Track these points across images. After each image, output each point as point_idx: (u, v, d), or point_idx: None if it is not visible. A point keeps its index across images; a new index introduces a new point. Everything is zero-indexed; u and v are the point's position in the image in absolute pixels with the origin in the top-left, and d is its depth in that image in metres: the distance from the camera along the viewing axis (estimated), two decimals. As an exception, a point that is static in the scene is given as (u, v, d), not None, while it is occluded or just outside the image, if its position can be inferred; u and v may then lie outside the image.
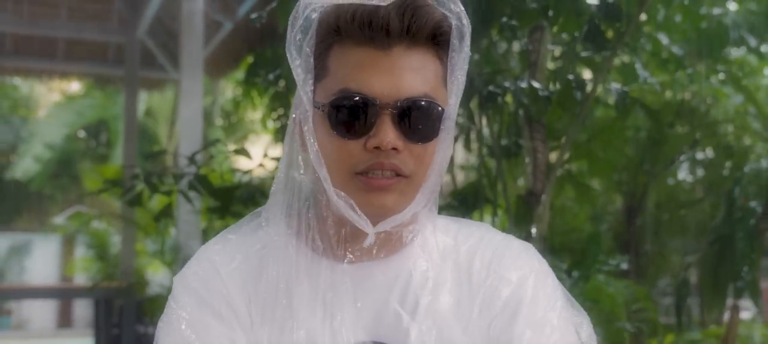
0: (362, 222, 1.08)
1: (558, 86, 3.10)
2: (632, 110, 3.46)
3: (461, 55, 1.10)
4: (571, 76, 2.96)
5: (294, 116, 1.16)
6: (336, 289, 1.14)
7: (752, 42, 7.02)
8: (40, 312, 15.40)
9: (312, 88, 1.11)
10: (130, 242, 7.94)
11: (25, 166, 15.36)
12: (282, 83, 5.18)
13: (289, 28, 1.12)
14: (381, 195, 1.09)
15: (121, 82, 9.67)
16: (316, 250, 1.15)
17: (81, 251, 13.44)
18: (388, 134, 1.06)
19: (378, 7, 1.06)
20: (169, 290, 3.25)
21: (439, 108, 1.09)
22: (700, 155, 6.87)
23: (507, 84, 3.03)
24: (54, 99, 17.57)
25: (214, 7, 7.31)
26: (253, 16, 3.70)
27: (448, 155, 1.15)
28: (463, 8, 1.11)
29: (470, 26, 1.11)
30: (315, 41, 1.10)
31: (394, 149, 1.07)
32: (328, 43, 1.11)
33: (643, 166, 6.54)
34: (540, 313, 1.15)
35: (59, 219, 13.93)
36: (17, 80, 13.51)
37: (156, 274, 8.30)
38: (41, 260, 15.89)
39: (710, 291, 4.16)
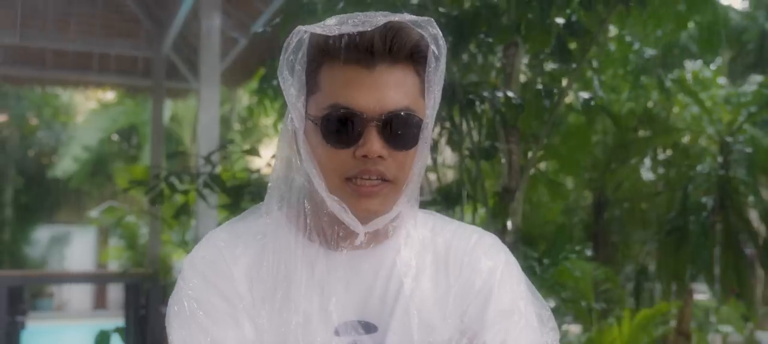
0: (354, 224, 1.09)
1: (529, 95, 3.09)
2: (597, 115, 3.45)
3: (437, 73, 1.10)
4: (540, 86, 2.95)
5: (288, 122, 1.15)
6: (329, 275, 1.14)
7: (705, 57, 7.03)
8: (78, 295, 15.34)
9: (304, 103, 1.11)
10: (156, 234, 7.88)
11: (64, 166, 15.25)
12: None
13: (282, 51, 1.11)
14: (368, 200, 1.09)
15: (148, 91, 9.59)
16: (312, 240, 1.15)
17: (114, 242, 13.39)
18: (374, 143, 1.07)
19: (363, 30, 1.05)
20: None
21: (418, 119, 1.09)
22: (661, 156, 6.87)
23: (485, 93, 3.01)
24: (90, 107, 17.45)
25: (230, 24, 7.26)
26: (260, 29, 3.68)
27: (427, 160, 1.15)
28: (439, 31, 1.10)
29: (445, 46, 1.11)
30: (306, 60, 1.10)
31: (380, 156, 1.07)
32: (319, 63, 1.10)
33: (610, 166, 6.54)
34: (508, 301, 1.16)
35: (94, 213, 13.81)
36: (58, 90, 13.41)
37: (180, 262, 8.27)
38: (79, 249, 15.81)
39: (668, 276, 4.15)
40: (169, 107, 13.17)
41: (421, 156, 1.12)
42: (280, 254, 1.16)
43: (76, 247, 15.73)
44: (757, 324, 6.36)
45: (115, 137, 16.85)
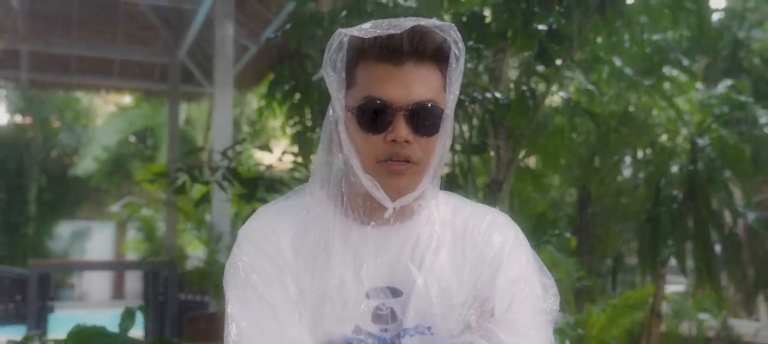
0: (384, 199, 1.17)
1: (515, 95, 3.22)
2: (577, 114, 3.58)
3: (457, 71, 1.18)
4: (524, 88, 3.08)
5: (330, 115, 1.22)
6: (362, 247, 1.22)
7: (685, 62, 7.12)
8: (97, 286, 15.44)
9: (344, 95, 1.19)
10: (172, 226, 8.01)
11: (85, 165, 15.33)
12: (297, 96, 5.24)
13: (326, 51, 1.19)
14: (397, 179, 1.17)
15: (165, 95, 9.72)
16: (348, 216, 1.23)
17: (131, 235, 13.50)
18: (402, 130, 1.14)
19: (394, 33, 1.13)
20: (206, 262, 3.49)
21: (440, 110, 1.17)
22: (641, 155, 6.97)
23: (476, 94, 3.13)
24: (108, 110, 17.55)
25: (242, 33, 7.41)
26: (270, 35, 3.80)
27: (448, 146, 1.22)
28: (459, 35, 1.18)
29: (464, 49, 1.18)
30: (346, 59, 1.18)
31: (407, 141, 1.15)
32: (356, 61, 1.18)
33: (593, 163, 6.65)
34: (515, 271, 1.23)
35: (115, 207, 13.90)
36: (81, 94, 13.52)
37: (195, 251, 8.38)
38: (98, 243, 15.89)
39: (643, 263, 4.28)
40: (182, 110, 13.29)
41: (442, 142, 1.20)
42: (320, 227, 1.24)
43: (95, 241, 15.82)
44: (730, 311, 6.48)
45: (132, 139, 16.94)
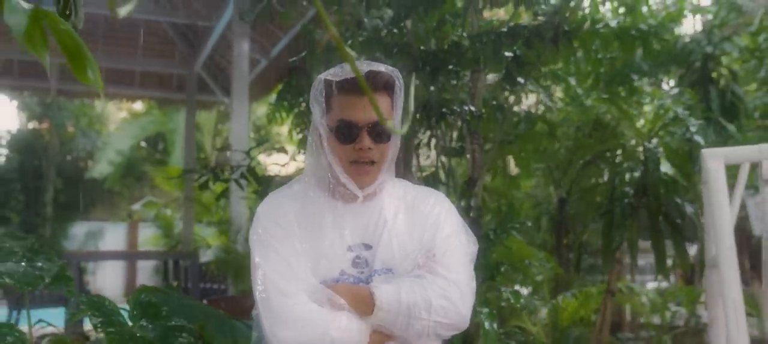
0: (355, 190, 1.59)
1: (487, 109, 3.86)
2: (535, 125, 4.22)
3: (400, 98, 1.60)
4: (494, 102, 3.72)
5: (314, 132, 1.64)
6: (344, 217, 1.63)
7: (654, 75, 7.75)
8: (111, 282, 15.86)
9: (324, 118, 1.59)
10: (189, 223, 8.58)
11: (100, 168, 15.74)
12: (303, 105, 5.81)
13: (312, 89, 1.60)
14: (363, 176, 1.59)
15: (181, 103, 10.25)
16: (334, 197, 1.64)
17: (144, 233, 14.00)
18: (365, 140, 1.56)
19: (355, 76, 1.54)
20: (225, 251, 4.33)
21: (389, 126, 1.61)
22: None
23: (455, 107, 3.76)
24: (121, 116, 18.03)
25: (254, 48, 7.99)
26: (292, 60, 4.41)
27: (397, 148, 1.64)
28: (399, 74, 1.60)
29: (402, 83, 1.60)
30: (324, 94, 1.59)
31: (369, 148, 1.56)
32: (330, 94, 1.58)
33: (571, 165, 7.25)
34: (448, 230, 1.66)
35: (136, 206, 14.43)
36: (104, 102, 13.95)
37: (213, 243, 8.89)
38: (111, 242, 16.26)
39: (601, 251, 4.90)
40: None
41: (393, 146, 1.61)
42: (315, 205, 1.62)
43: (108, 240, 16.21)
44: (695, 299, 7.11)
45: (143, 144, 17.40)
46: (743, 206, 11.85)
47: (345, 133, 1.57)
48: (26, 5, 1.19)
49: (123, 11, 1.05)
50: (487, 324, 3.09)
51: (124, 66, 9.30)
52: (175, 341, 2.54)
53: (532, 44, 3.58)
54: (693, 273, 13.06)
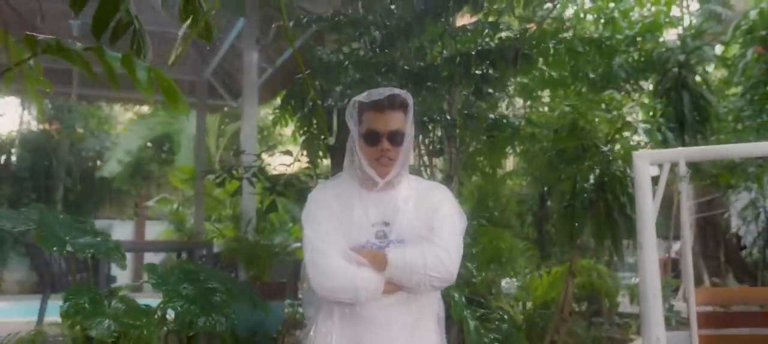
0: (377, 179, 2.11)
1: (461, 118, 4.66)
2: (503, 130, 5.04)
3: (411, 114, 2.15)
4: (466, 112, 4.53)
5: (350, 139, 2.18)
6: (369, 201, 2.15)
7: (635, 81, 8.52)
8: (119, 274, 16.46)
9: (357, 129, 2.13)
10: (200, 218, 9.33)
11: (110, 168, 16.16)
12: (306, 109, 6.46)
13: (348, 108, 2.15)
14: (383, 168, 2.10)
15: (192, 107, 10.95)
16: (362, 186, 2.17)
17: (152, 229, 14.54)
18: (385, 145, 2.08)
19: (380, 98, 2.10)
20: (236, 240, 5.35)
21: (403, 133, 2.11)
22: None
23: (435, 116, 4.58)
24: (128, 117, 18.59)
25: (261, 57, 8.75)
26: (299, 77, 5.18)
27: (410, 149, 2.20)
28: (411, 96, 2.15)
29: (413, 103, 2.16)
30: (356, 111, 2.14)
31: (388, 150, 2.08)
32: (361, 111, 2.13)
33: (551, 166, 8.01)
34: (446, 211, 2.17)
35: (150, 203, 15.06)
36: (116, 106, 14.30)
37: (229, 237, 9.50)
38: (119, 237, 16.59)
39: (565, 238, 5.71)
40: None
41: (406, 148, 2.12)
42: (348, 193, 2.15)
43: (116, 236, 16.44)
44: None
45: (148, 144, 17.92)
46: (722, 204, 12.61)
47: (371, 139, 2.10)
48: (143, 64, 2.01)
49: (172, 60, 1.89)
50: (456, 296, 3.92)
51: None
52: (212, 297, 3.37)
53: (496, 64, 4.39)
54: (675, 265, 13.88)
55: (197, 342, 4.65)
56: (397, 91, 2.13)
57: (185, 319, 3.90)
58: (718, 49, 10.82)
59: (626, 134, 5.73)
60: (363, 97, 2.13)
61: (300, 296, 2.30)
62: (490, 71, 4.46)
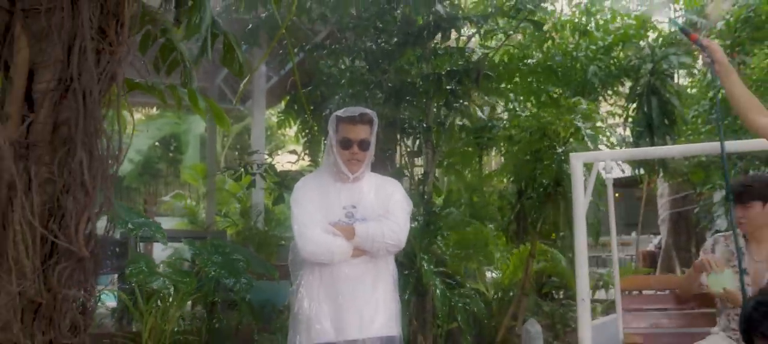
0: (348, 174, 2.85)
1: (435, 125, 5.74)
2: (475, 134, 6.13)
3: (376, 128, 2.90)
4: (439, 120, 5.61)
5: (329, 142, 2.92)
6: (341, 191, 2.87)
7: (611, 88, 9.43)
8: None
9: (335, 135, 2.85)
10: (211, 212, 10.35)
11: (121, 166, 17.11)
12: (306, 116, 7.55)
13: (330, 119, 2.88)
14: (354, 167, 2.85)
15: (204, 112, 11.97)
16: (336, 179, 2.88)
17: (169, 224, 15.45)
18: (356, 149, 2.83)
19: (354, 114, 2.85)
20: (247, 229, 6.81)
21: (369, 141, 2.85)
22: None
23: (414, 123, 5.67)
24: (137, 118, 19.52)
25: (267, 67, 9.78)
26: (304, 90, 6.27)
27: (372, 155, 2.89)
28: (375, 114, 2.94)
29: (377, 119, 2.93)
30: (335, 123, 2.86)
31: (358, 153, 2.83)
32: (338, 122, 2.86)
33: (529, 164, 9.00)
34: (398, 198, 2.95)
35: (166, 198, 16.01)
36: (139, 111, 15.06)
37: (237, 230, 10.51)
38: None
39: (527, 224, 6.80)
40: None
41: (370, 154, 2.86)
42: (326, 183, 2.87)
43: None
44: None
45: (157, 144, 18.84)
46: (693, 200, 13.61)
47: (345, 144, 2.81)
48: (202, 97, 3.12)
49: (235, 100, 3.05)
50: (425, 265, 5.00)
51: (155, 79, 11.04)
52: (237, 265, 4.46)
53: (462, 82, 5.48)
54: (654, 257, 14.85)
55: (217, 308, 5.76)
56: (366, 110, 2.88)
57: (210, 287, 5.02)
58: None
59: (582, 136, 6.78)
60: (341, 112, 2.86)
61: (290, 259, 2.96)
62: (458, 88, 5.54)
